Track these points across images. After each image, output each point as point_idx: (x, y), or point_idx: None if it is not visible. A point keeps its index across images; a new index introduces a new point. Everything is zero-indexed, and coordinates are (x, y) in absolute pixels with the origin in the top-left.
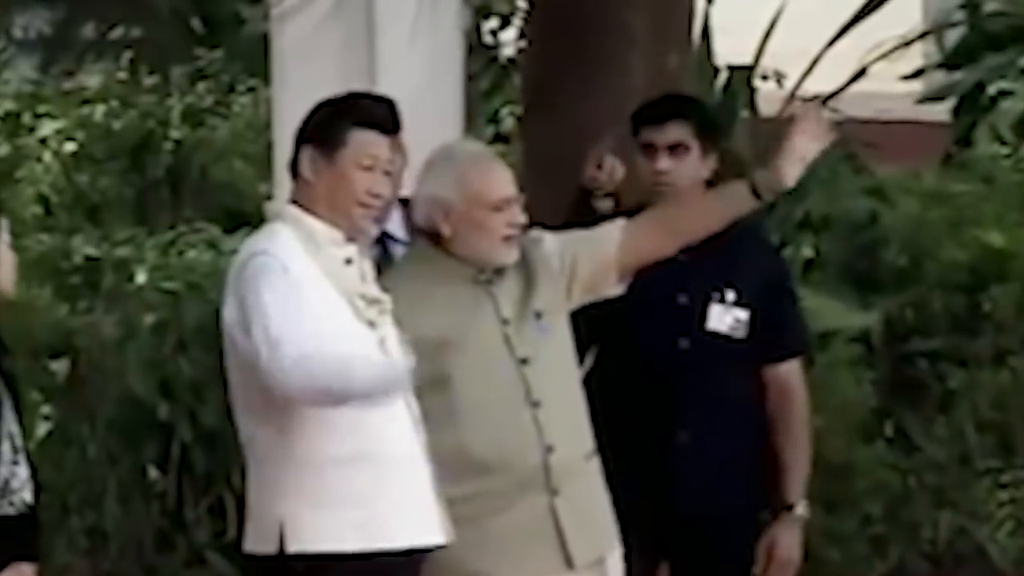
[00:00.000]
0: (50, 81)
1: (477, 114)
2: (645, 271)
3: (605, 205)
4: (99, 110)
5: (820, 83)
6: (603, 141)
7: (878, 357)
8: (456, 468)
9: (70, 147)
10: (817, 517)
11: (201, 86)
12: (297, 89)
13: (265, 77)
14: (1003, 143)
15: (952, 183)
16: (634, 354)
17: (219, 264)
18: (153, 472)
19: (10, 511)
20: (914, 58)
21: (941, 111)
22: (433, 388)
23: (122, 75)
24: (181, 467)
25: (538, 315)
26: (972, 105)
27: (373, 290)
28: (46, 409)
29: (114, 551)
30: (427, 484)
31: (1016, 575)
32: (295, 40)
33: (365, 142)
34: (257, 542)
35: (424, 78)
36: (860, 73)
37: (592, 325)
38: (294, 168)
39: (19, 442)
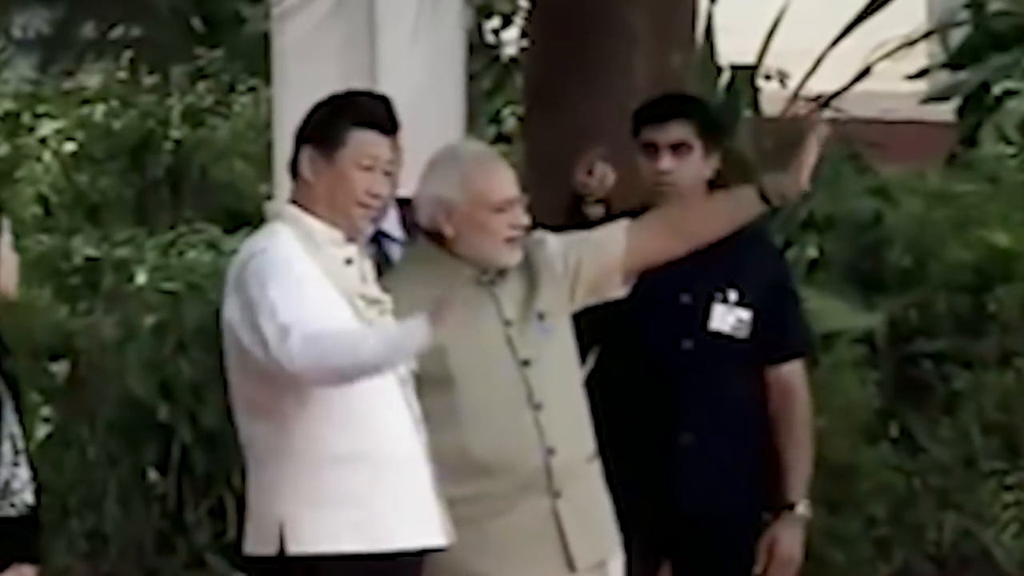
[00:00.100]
0: (49, 81)
1: (479, 114)
2: (648, 271)
3: (596, 211)
4: (99, 110)
5: (824, 83)
6: (594, 147)
7: (882, 358)
8: (457, 469)
9: (70, 147)
10: (821, 518)
11: (201, 86)
12: (298, 89)
13: (266, 77)
14: (1008, 143)
15: (957, 183)
16: (637, 354)
17: (219, 265)
18: (153, 474)
19: (11, 512)
20: (918, 58)
21: (946, 111)
22: (435, 388)
23: (122, 75)
24: (181, 469)
25: (541, 316)
26: (977, 105)
27: (373, 291)
28: (46, 411)
29: (114, 553)
30: (427, 484)
31: None
32: (296, 39)
33: (365, 142)
34: (257, 544)
35: (425, 78)
36: (864, 73)
37: (594, 325)
38: (294, 168)
39: (20, 443)
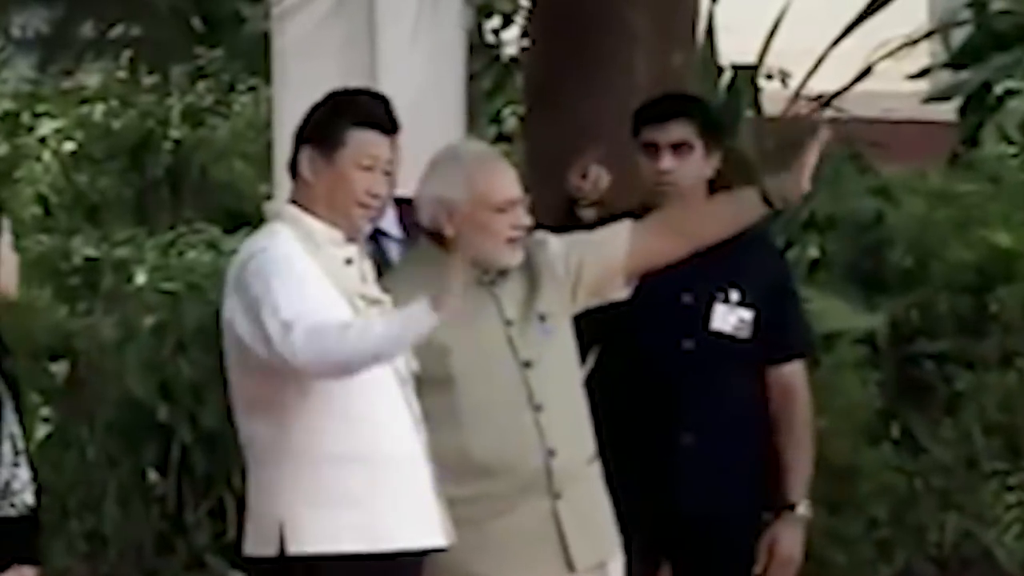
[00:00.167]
0: (49, 80)
1: (479, 114)
2: (650, 272)
3: (590, 214)
4: (98, 109)
5: (825, 82)
6: (593, 149)
7: (884, 359)
8: (457, 470)
9: (69, 147)
10: (822, 519)
11: (201, 85)
12: (298, 88)
13: (266, 76)
14: (1010, 143)
15: (958, 183)
16: (637, 354)
17: (219, 265)
18: (153, 475)
19: (11, 513)
20: (920, 57)
21: (947, 110)
22: (435, 389)
23: (121, 74)
24: (181, 470)
25: (542, 317)
26: (979, 104)
27: (373, 291)
28: (45, 411)
29: (113, 555)
30: (428, 485)
31: None
32: (296, 39)
33: (364, 142)
34: (257, 544)
35: (426, 77)
36: (865, 72)
37: (594, 325)
38: (293, 168)
39: (20, 444)
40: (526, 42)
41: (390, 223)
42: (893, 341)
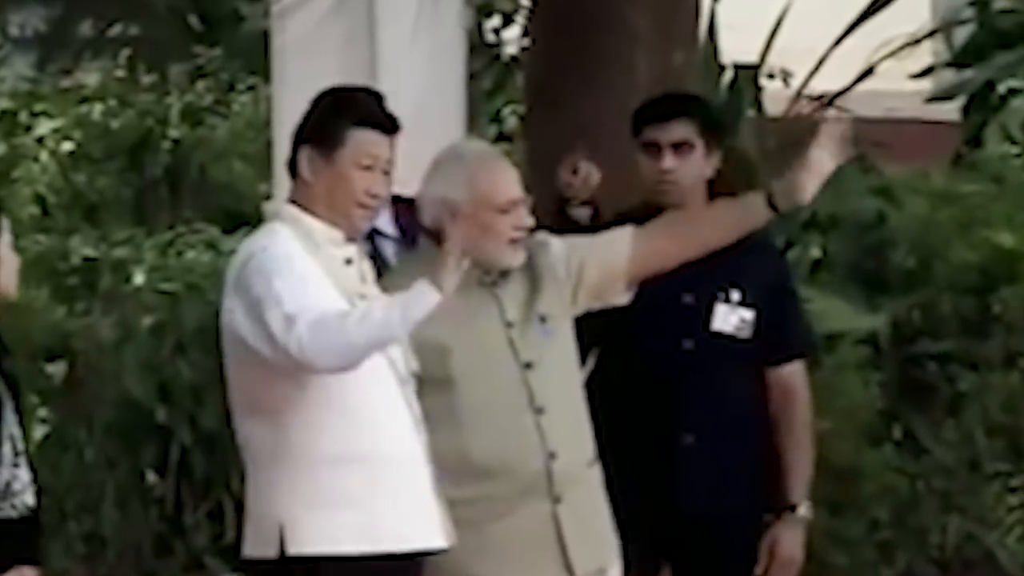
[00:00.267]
0: (47, 79)
1: (479, 113)
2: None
3: (582, 213)
4: (97, 109)
5: (827, 81)
6: (578, 147)
7: (886, 359)
8: (457, 471)
9: (67, 146)
10: (823, 521)
11: (200, 84)
12: (297, 87)
13: (265, 75)
14: (1013, 142)
15: (961, 183)
16: (637, 355)
17: (218, 265)
18: (151, 476)
19: (12, 514)
20: (923, 56)
21: (950, 110)
22: (436, 390)
23: (120, 73)
24: (180, 471)
25: (543, 319)
26: (982, 104)
27: (373, 291)
28: (43, 412)
29: (112, 556)
30: (428, 485)
31: None
32: (295, 37)
33: (364, 142)
34: (256, 546)
35: (426, 76)
36: (868, 71)
37: (594, 326)
38: (292, 167)
39: (20, 445)
40: (526, 41)
41: (385, 222)
42: (895, 342)
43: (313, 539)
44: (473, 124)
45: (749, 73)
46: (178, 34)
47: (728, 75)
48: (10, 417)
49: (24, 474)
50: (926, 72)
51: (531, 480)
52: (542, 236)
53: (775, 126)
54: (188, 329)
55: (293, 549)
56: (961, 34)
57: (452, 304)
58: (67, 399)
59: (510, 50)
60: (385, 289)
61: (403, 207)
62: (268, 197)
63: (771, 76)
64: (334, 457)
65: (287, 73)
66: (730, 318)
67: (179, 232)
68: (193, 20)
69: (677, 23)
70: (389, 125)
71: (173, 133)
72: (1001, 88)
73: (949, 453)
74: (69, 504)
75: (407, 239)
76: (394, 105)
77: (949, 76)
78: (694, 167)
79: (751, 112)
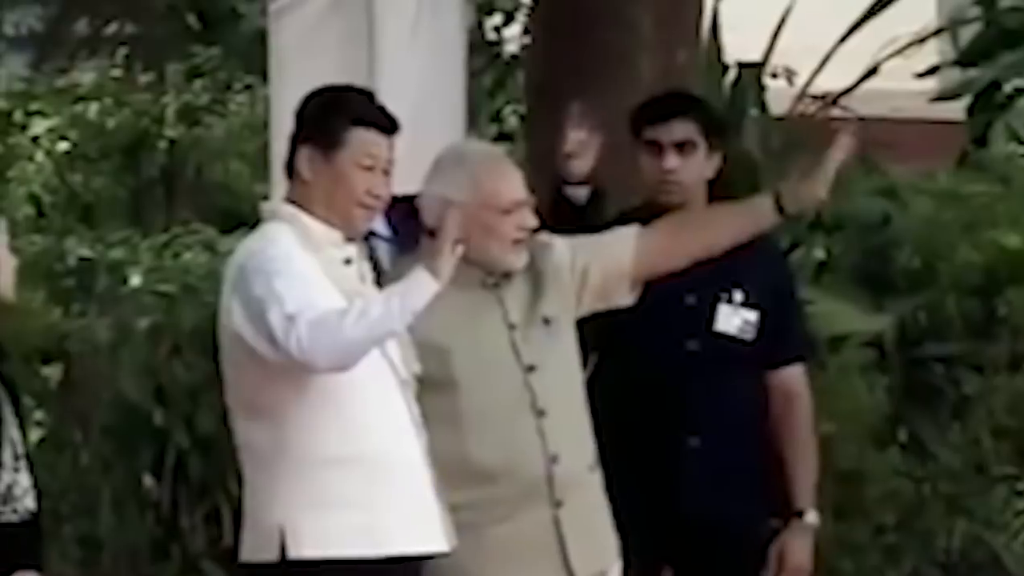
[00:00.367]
0: (42, 78)
1: (480, 112)
2: None
3: (579, 193)
4: (93, 108)
5: (832, 81)
6: (572, 109)
7: (891, 362)
8: (459, 474)
9: (63, 146)
10: (829, 525)
11: (197, 84)
12: (296, 87)
13: (263, 74)
14: (1019, 142)
15: (967, 183)
16: (640, 357)
17: (215, 266)
18: (148, 479)
19: (12, 518)
20: (928, 55)
21: (956, 109)
22: (437, 392)
23: (116, 72)
24: (176, 474)
25: (546, 321)
26: (988, 103)
27: (372, 291)
28: (38, 415)
29: (108, 560)
30: (428, 488)
31: None
32: (294, 36)
33: (365, 142)
34: (255, 550)
35: (426, 75)
36: (872, 71)
37: (597, 328)
38: (290, 168)
39: (20, 448)
40: (528, 40)
41: (379, 223)
42: (900, 344)
43: (313, 542)
44: (473, 123)
45: (753, 72)
46: (175, 33)
47: (731, 74)
48: (10, 420)
49: (24, 478)
50: (931, 71)
51: (532, 483)
52: (545, 237)
53: (779, 125)
54: (185, 331)
55: (293, 552)
56: (967, 33)
57: (454, 305)
58: (63, 401)
59: (511, 48)
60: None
61: (399, 207)
62: (266, 197)
63: (775, 75)
64: (333, 459)
65: (285, 73)
66: (733, 319)
67: (176, 233)
68: (190, 19)
69: (680, 21)
70: (389, 125)
71: (170, 133)
72: (1007, 87)
73: (955, 456)
74: (64, 507)
75: (399, 238)
76: (394, 104)
77: (955, 75)
78: (696, 167)
79: (754, 111)
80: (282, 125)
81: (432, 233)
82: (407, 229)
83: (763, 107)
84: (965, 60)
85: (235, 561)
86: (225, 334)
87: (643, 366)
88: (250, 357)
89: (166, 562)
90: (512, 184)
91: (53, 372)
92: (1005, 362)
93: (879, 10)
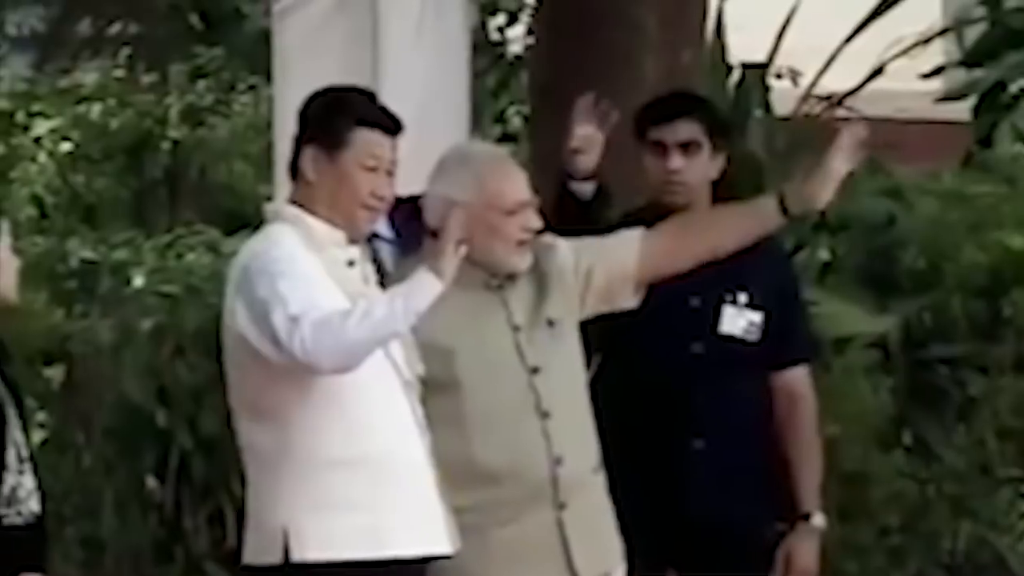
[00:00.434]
0: (45, 79)
1: (484, 113)
2: None
3: (585, 189)
4: (95, 109)
5: (837, 81)
6: (579, 103)
7: (896, 363)
8: (463, 477)
9: (65, 147)
10: (833, 527)
11: (200, 84)
12: (300, 87)
13: (266, 75)
14: None
15: (972, 184)
16: (645, 359)
17: (219, 267)
18: (151, 481)
19: (18, 521)
20: (933, 55)
21: (961, 110)
22: (441, 394)
23: (119, 73)
24: (180, 476)
25: (550, 323)
26: (993, 104)
27: (375, 293)
28: (41, 416)
29: (111, 562)
30: (432, 491)
31: None
32: (298, 37)
33: (369, 142)
34: (258, 552)
35: (429, 75)
36: (878, 71)
37: (601, 330)
38: (293, 168)
39: (24, 451)
40: (531, 40)
41: (381, 225)
42: (905, 345)
43: (317, 544)
44: (477, 124)
45: (757, 72)
46: (178, 33)
47: (736, 75)
48: (14, 422)
49: (29, 480)
50: (936, 71)
51: (537, 485)
52: (549, 239)
53: (784, 126)
54: (188, 332)
55: (297, 554)
56: (972, 33)
57: (458, 307)
58: (65, 403)
59: (515, 49)
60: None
61: (399, 208)
62: (269, 198)
63: (779, 76)
64: (337, 461)
65: (289, 73)
66: (738, 321)
67: (179, 234)
68: (194, 19)
69: (684, 22)
70: (393, 126)
71: (173, 133)
72: (1013, 88)
73: (960, 458)
74: (67, 509)
75: (402, 241)
76: (397, 105)
77: (960, 75)
78: (700, 167)
79: (759, 112)
80: (286, 126)
81: (435, 234)
82: (410, 231)
83: (768, 108)
84: (970, 60)
85: (238, 563)
86: (229, 335)
87: (647, 369)
88: (254, 358)
89: (169, 564)
90: (516, 185)
91: (56, 373)
92: (1010, 363)
93: (884, 10)
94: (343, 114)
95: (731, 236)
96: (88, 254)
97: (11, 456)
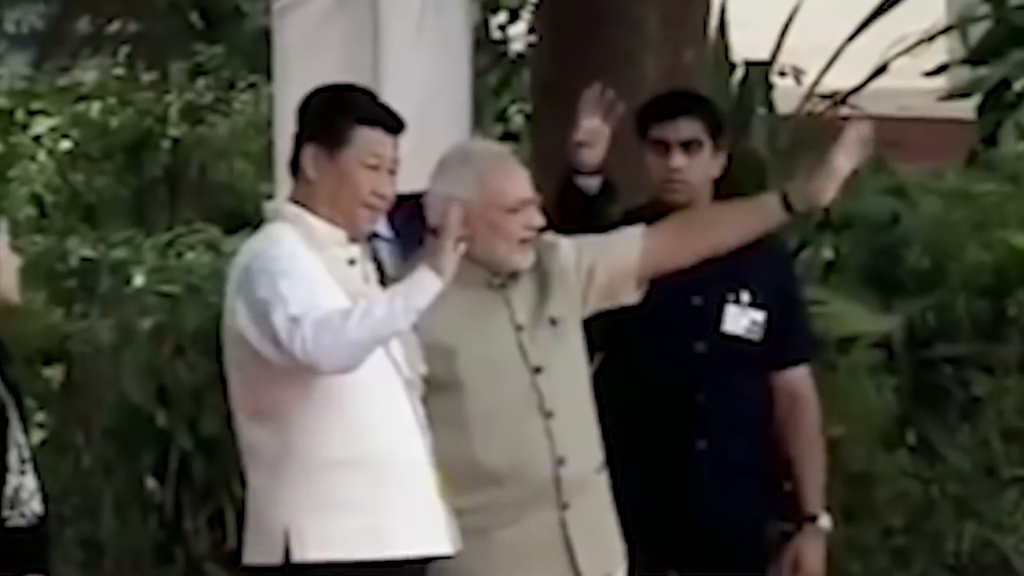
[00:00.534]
0: (44, 77)
1: (485, 111)
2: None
3: (591, 184)
4: (95, 107)
5: (840, 79)
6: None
7: (900, 363)
8: (465, 477)
9: (65, 145)
10: (837, 528)
11: (200, 82)
12: (300, 85)
13: (267, 73)
14: None
15: (976, 183)
16: (647, 359)
17: (219, 266)
18: (151, 481)
19: (20, 522)
20: (937, 53)
21: (965, 108)
22: (443, 394)
23: (119, 71)
24: (180, 476)
25: (553, 322)
26: (997, 102)
27: (376, 292)
28: (40, 416)
29: (110, 563)
30: (433, 491)
31: None
32: (298, 35)
33: (370, 140)
34: (259, 553)
35: (431, 74)
36: (881, 69)
37: (603, 329)
38: (294, 167)
39: (26, 452)
40: (533, 38)
41: (381, 224)
42: (909, 345)
43: (317, 545)
44: (479, 122)
45: (760, 71)
46: (178, 31)
47: (739, 73)
48: (15, 424)
49: (31, 481)
50: (940, 70)
51: (540, 486)
52: (551, 237)
53: (787, 124)
54: (188, 331)
55: (297, 555)
56: (976, 31)
57: (460, 306)
58: (64, 403)
59: (516, 47)
60: None
61: (399, 207)
62: (270, 197)
63: (782, 74)
64: (338, 461)
65: (289, 71)
66: (740, 320)
67: (179, 233)
68: (193, 17)
69: (687, 20)
70: (394, 124)
71: (173, 132)
72: (1017, 86)
73: (964, 458)
74: (67, 510)
75: (402, 240)
76: (398, 103)
77: (964, 74)
78: (702, 166)
79: (762, 110)
80: (286, 124)
81: (436, 232)
82: (410, 231)
83: (771, 106)
84: (974, 58)
85: (239, 564)
86: (229, 335)
87: (650, 367)
88: (254, 358)
89: (169, 565)
90: (518, 183)
91: (55, 373)
92: (1015, 363)
93: (887, 8)
94: (344, 112)
95: (734, 232)
96: (88, 253)
97: (13, 457)
